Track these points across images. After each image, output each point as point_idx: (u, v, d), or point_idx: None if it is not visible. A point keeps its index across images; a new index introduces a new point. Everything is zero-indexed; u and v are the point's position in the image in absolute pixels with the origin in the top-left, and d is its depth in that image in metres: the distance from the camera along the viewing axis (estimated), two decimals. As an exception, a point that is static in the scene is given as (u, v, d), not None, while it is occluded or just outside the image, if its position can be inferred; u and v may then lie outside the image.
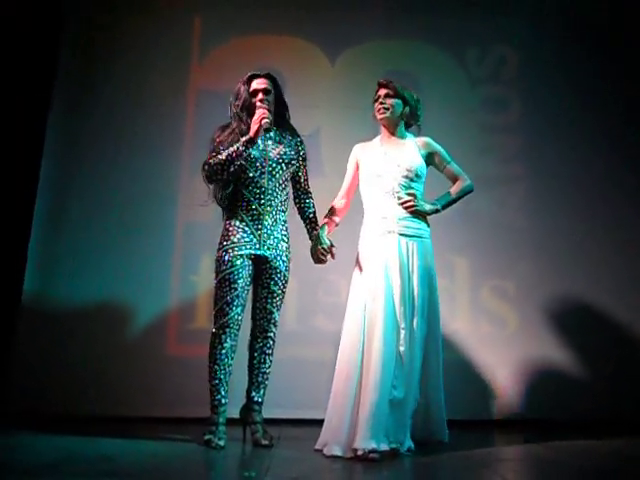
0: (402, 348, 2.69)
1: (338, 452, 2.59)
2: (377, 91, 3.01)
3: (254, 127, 2.83)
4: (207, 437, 2.78)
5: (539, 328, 3.86)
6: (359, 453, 2.51)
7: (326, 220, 3.04)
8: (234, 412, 2.95)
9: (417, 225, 2.88)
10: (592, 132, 4.15)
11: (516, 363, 3.80)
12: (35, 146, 3.99)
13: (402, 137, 3.00)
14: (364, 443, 2.51)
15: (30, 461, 2.57)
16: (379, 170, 2.91)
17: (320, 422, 2.81)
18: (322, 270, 3.71)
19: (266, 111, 2.86)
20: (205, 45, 4.22)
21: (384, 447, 2.55)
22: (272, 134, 3.00)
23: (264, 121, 2.82)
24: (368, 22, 4.25)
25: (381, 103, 2.96)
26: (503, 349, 3.82)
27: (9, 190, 3.91)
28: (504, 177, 4.08)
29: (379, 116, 2.98)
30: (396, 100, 2.96)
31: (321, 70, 4.22)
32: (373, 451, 2.50)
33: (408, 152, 2.94)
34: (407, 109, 2.99)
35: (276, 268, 2.92)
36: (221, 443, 2.76)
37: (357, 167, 3.05)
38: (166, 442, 2.96)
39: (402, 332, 2.71)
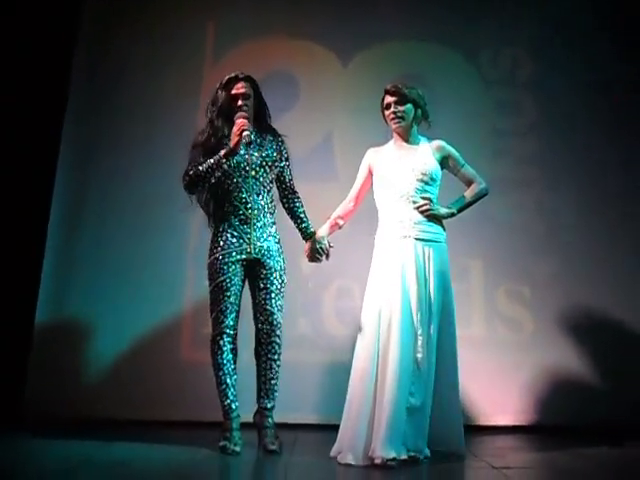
0: (420, 355, 2.67)
1: (352, 461, 2.56)
2: (384, 98, 2.97)
3: (235, 139, 2.81)
4: (222, 443, 2.77)
5: (556, 332, 3.82)
6: (377, 462, 2.49)
7: (330, 221, 3.03)
8: (249, 417, 2.94)
9: (433, 229, 2.85)
10: (610, 133, 4.10)
11: (532, 367, 3.75)
12: (50, 151, 4.01)
13: (416, 141, 2.97)
14: (383, 452, 2.49)
15: (46, 466, 2.59)
16: (393, 174, 2.89)
17: (335, 427, 2.79)
18: (335, 274, 3.75)
19: (245, 121, 2.83)
20: (219, 49, 4.23)
21: (403, 456, 2.53)
22: (253, 137, 2.95)
23: (245, 133, 2.80)
24: (380, 24, 4.22)
25: (394, 112, 2.91)
26: (519, 353, 3.77)
27: (25, 193, 3.94)
28: (519, 180, 4.04)
29: (394, 125, 2.94)
30: (407, 106, 2.91)
31: (334, 73, 4.21)
32: (392, 460, 2.48)
33: (422, 156, 2.91)
34: (419, 112, 2.96)
35: (271, 267, 2.89)
36: (237, 449, 2.75)
37: (370, 172, 3.02)
38: (182, 447, 2.94)
39: (419, 339, 2.68)
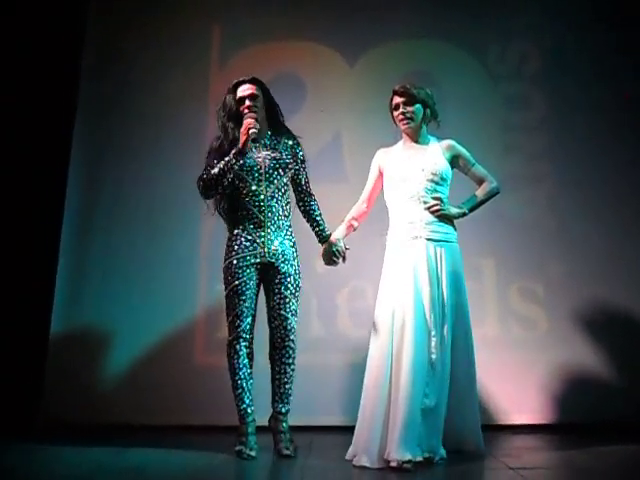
0: (434, 356, 2.65)
1: (367, 463, 2.56)
2: (393, 99, 2.95)
3: (242, 138, 2.81)
4: (238, 448, 2.78)
5: (570, 330, 3.77)
6: (393, 464, 2.48)
7: (345, 223, 3.01)
8: (263, 420, 2.94)
9: (444, 229, 2.84)
10: (622, 126, 4.04)
11: (547, 366, 3.72)
12: (61, 157, 4.04)
13: (425, 141, 2.96)
14: (398, 454, 2.48)
15: (61, 473, 2.61)
16: (403, 175, 2.87)
17: (351, 429, 2.78)
18: (348, 275, 3.73)
19: (252, 120, 2.83)
20: (225, 52, 4.23)
21: (418, 457, 2.52)
22: (266, 140, 2.96)
23: (251, 131, 2.80)
24: (385, 24, 4.20)
25: (403, 113, 2.89)
26: (534, 352, 3.74)
27: (37, 200, 3.96)
28: (531, 176, 4.00)
29: (403, 126, 2.93)
30: (416, 106, 2.90)
31: (340, 74, 4.19)
32: (408, 462, 2.47)
33: (432, 156, 2.90)
34: (428, 111, 2.94)
35: (285, 272, 2.88)
36: (252, 454, 2.75)
37: (380, 172, 3.01)
38: (197, 452, 2.95)
39: (433, 339, 2.67)
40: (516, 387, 3.68)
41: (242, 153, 2.83)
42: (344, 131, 4.11)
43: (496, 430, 3.46)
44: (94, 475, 2.56)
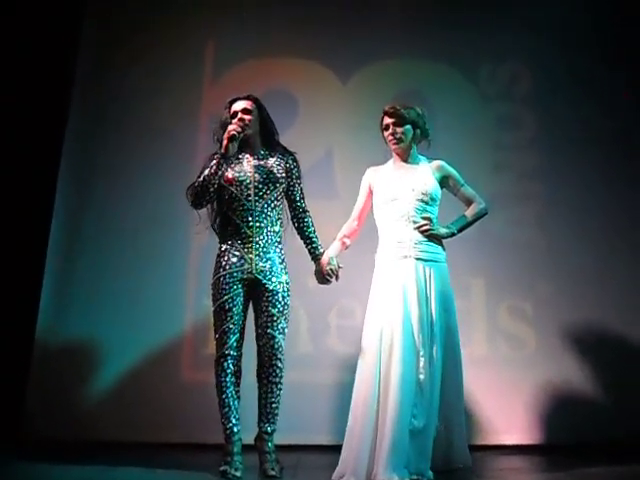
0: (422, 376, 2.64)
1: (355, 484, 2.54)
2: (383, 119, 2.97)
3: (224, 143, 2.83)
4: (223, 468, 2.73)
5: (559, 349, 3.79)
6: (379, 486, 2.47)
7: (337, 241, 3.01)
8: (251, 438, 2.90)
9: (433, 249, 2.84)
10: (611, 146, 4.08)
11: (535, 385, 3.72)
12: (50, 171, 4.03)
13: (415, 161, 2.97)
14: (385, 475, 2.45)
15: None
16: (394, 194, 2.88)
17: (338, 448, 2.75)
18: (336, 293, 3.71)
19: (235, 126, 2.84)
20: (218, 69, 4.27)
21: (406, 479, 2.50)
22: (259, 155, 2.97)
23: (231, 133, 2.80)
24: (379, 42, 4.25)
25: (392, 134, 2.92)
26: (522, 371, 3.74)
27: (25, 212, 3.95)
28: (520, 195, 4.04)
29: (392, 147, 2.95)
30: (406, 127, 2.92)
31: (333, 91, 4.23)
32: (394, 484, 2.45)
33: (422, 176, 2.91)
34: (418, 132, 2.96)
35: (272, 290, 2.85)
36: (237, 474, 2.71)
37: (370, 191, 3.02)
38: (182, 471, 2.92)
39: (421, 360, 2.66)
40: (504, 406, 3.68)
41: (225, 157, 2.83)
42: (336, 148, 4.14)
43: (484, 450, 3.44)
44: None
